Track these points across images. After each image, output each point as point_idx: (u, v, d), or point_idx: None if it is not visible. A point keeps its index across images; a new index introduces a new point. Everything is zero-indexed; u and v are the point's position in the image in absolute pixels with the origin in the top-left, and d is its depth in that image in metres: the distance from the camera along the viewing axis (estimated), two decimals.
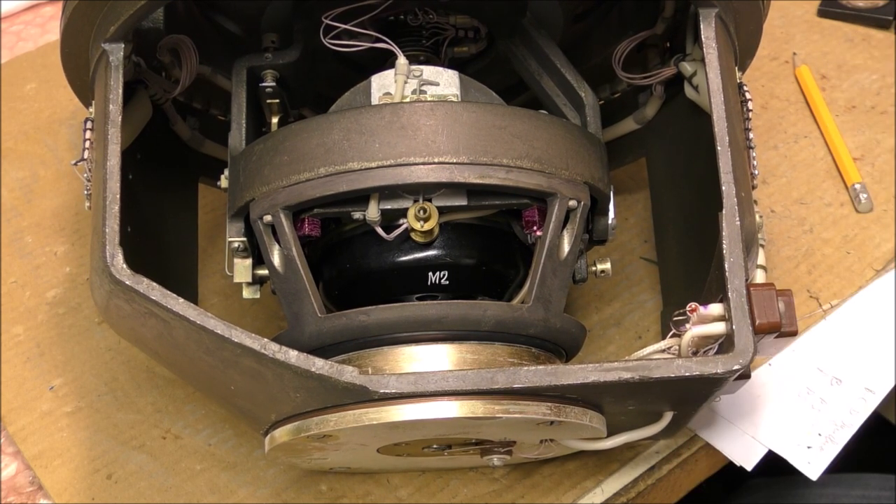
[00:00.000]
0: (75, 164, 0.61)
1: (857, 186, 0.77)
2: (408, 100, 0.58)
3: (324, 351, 0.54)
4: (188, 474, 0.66)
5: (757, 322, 0.51)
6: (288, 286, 0.56)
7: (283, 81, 0.64)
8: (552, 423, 0.52)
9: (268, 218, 0.55)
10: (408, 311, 0.54)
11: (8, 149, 0.84)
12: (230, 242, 0.58)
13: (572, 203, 0.56)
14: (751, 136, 0.60)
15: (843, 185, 0.78)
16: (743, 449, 0.65)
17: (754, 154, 0.60)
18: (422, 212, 0.55)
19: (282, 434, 0.54)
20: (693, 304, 0.52)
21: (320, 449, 0.55)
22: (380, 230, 0.56)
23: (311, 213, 0.56)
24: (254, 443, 0.67)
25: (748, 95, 0.60)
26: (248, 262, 0.59)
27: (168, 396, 0.70)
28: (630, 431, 0.57)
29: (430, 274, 0.57)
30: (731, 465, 0.66)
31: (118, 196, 0.54)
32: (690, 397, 0.54)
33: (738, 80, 0.60)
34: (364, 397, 0.49)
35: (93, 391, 0.70)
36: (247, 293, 0.60)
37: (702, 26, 0.56)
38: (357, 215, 0.55)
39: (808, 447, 0.65)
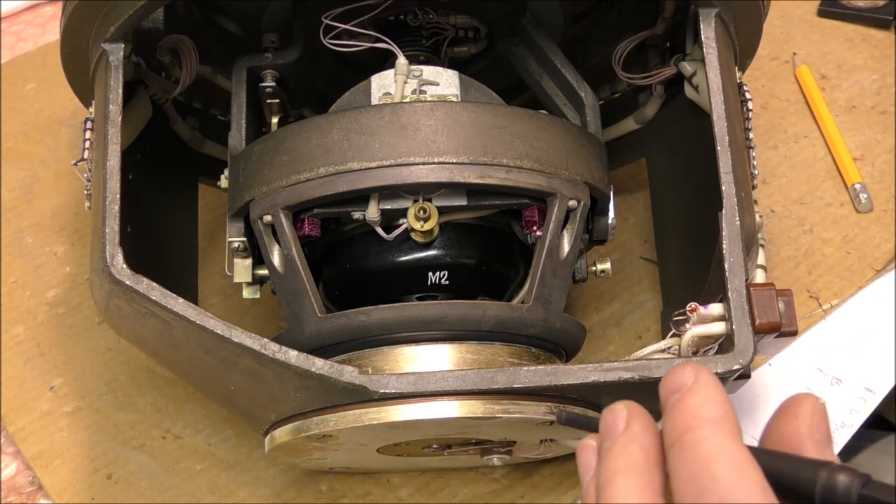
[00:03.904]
0: (75, 164, 0.61)
1: (857, 186, 0.77)
2: (408, 100, 0.58)
3: (324, 351, 0.54)
4: (188, 474, 0.66)
5: (757, 322, 0.51)
6: (288, 286, 0.56)
7: (283, 81, 0.64)
8: (552, 423, 0.52)
9: (268, 218, 0.55)
10: (408, 311, 0.54)
11: (8, 149, 0.84)
12: (230, 242, 0.58)
13: (572, 203, 0.56)
14: (751, 136, 0.60)
15: (843, 185, 0.78)
16: None
17: (754, 154, 0.60)
18: (422, 212, 0.55)
19: (282, 434, 0.54)
20: (693, 304, 0.52)
21: (320, 449, 0.55)
22: (380, 230, 0.56)
23: (311, 213, 0.56)
24: (254, 443, 0.67)
25: (748, 95, 0.60)
26: (248, 262, 0.59)
27: (168, 396, 0.70)
28: None
29: (430, 274, 0.57)
30: None
31: (118, 196, 0.54)
32: None
33: (738, 80, 0.60)
34: (364, 397, 0.50)
35: (93, 391, 0.70)
36: (247, 293, 0.60)
37: (702, 26, 0.56)
38: (357, 215, 0.55)
39: None
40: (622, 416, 0.40)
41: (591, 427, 0.43)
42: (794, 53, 0.86)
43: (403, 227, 0.55)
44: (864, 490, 0.35)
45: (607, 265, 0.62)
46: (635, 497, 0.36)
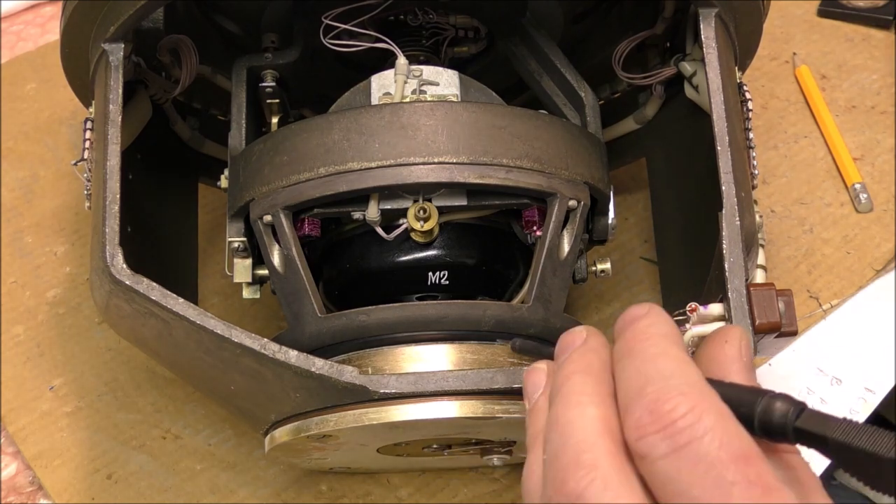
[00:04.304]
0: (75, 164, 0.61)
1: (857, 186, 0.77)
2: (408, 100, 0.58)
3: (324, 351, 0.54)
4: (188, 474, 0.66)
5: (757, 322, 0.51)
6: (288, 286, 0.56)
7: (283, 81, 0.64)
8: None
9: (268, 218, 0.55)
10: (408, 311, 0.54)
11: (8, 149, 0.84)
12: (230, 242, 0.58)
13: (572, 203, 0.56)
14: (751, 136, 0.60)
15: (843, 185, 0.78)
16: None
17: (754, 154, 0.60)
18: (422, 212, 0.55)
19: (282, 434, 0.54)
20: (693, 304, 0.52)
21: (320, 449, 0.55)
22: (380, 230, 0.56)
23: (311, 213, 0.56)
24: (254, 443, 0.67)
25: (748, 95, 0.60)
26: (248, 262, 0.59)
27: (168, 396, 0.70)
28: None
29: (430, 274, 0.57)
30: None
31: (118, 196, 0.54)
32: None
33: (738, 80, 0.60)
34: (364, 397, 0.50)
35: (93, 391, 0.70)
36: (247, 293, 0.60)
37: (702, 26, 0.56)
38: (357, 215, 0.55)
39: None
40: (581, 334, 0.43)
41: (545, 356, 0.46)
42: (794, 53, 0.86)
43: (403, 227, 0.55)
44: (799, 422, 0.36)
45: (607, 265, 0.62)
46: (589, 393, 0.39)
